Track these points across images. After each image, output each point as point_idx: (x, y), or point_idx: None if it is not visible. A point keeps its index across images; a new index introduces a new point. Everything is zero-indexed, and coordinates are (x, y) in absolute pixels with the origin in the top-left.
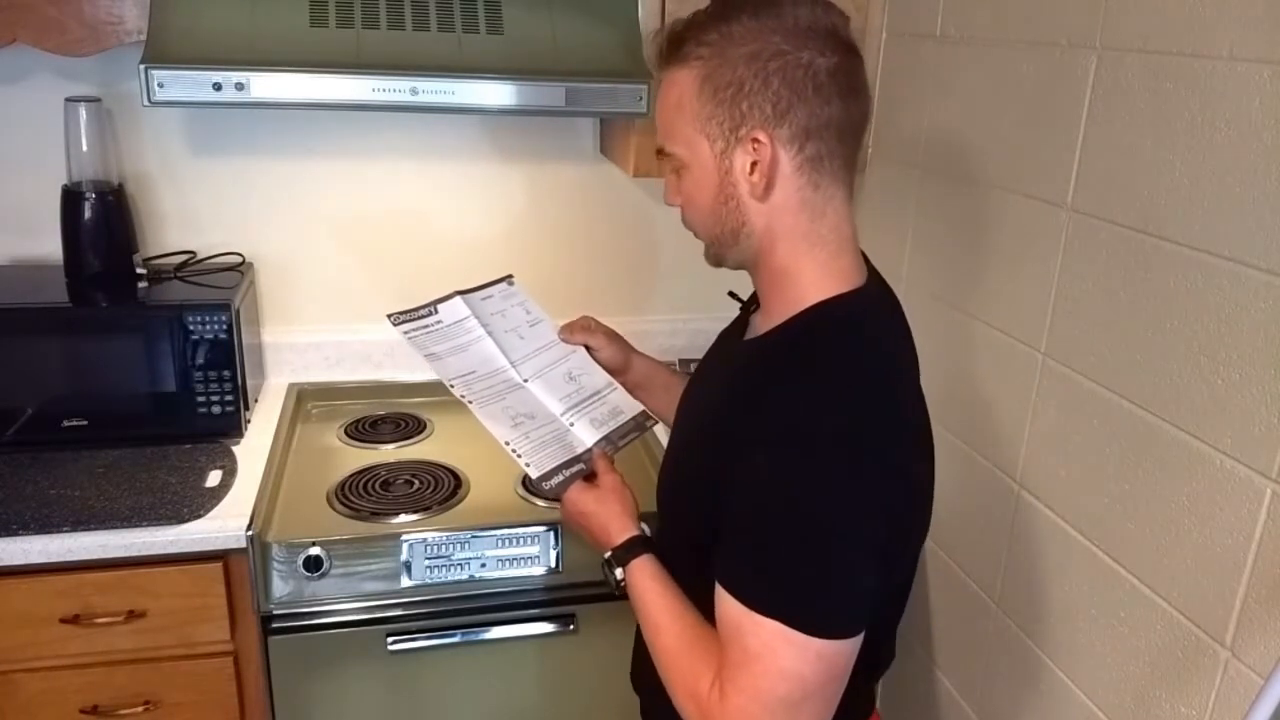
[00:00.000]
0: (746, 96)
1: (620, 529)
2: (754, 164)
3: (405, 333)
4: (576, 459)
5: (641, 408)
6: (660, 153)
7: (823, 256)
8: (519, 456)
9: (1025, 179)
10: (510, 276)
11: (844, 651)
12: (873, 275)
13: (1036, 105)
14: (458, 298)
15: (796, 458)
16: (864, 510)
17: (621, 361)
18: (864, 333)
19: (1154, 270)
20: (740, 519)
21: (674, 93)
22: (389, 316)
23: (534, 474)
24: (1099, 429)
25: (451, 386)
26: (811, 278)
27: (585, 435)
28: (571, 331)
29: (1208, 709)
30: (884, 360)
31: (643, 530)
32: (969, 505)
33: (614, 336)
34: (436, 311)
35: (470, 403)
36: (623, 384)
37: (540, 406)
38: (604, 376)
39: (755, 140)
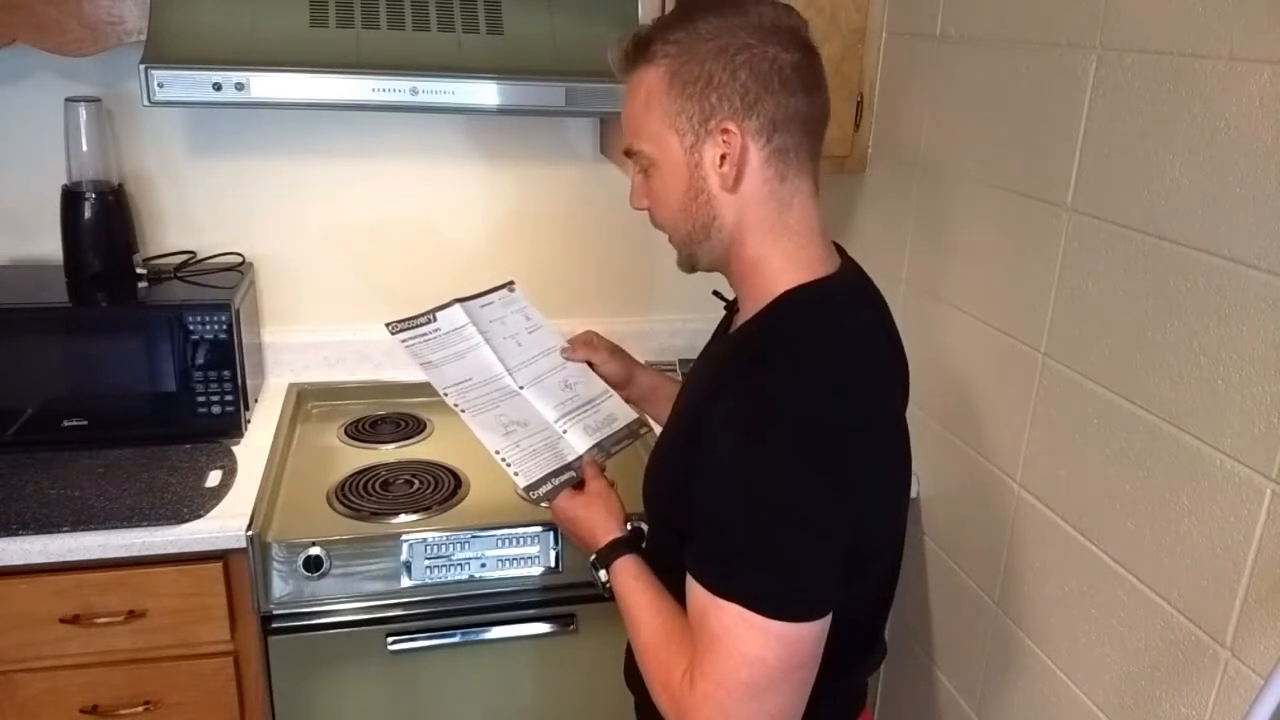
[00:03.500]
0: (715, 89)
1: (605, 531)
2: (723, 156)
3: (403, 341)
4: (567, 466)
5: (636, 415)
6: (628, 153)
7: (790, 247)
8: (508, 465)
9: (1025, 179)
10: (511, 283)
11: (806, 636)
12: (847, 265)
13: (1036, 105)
14: (457, 305)
15: (754, 442)
16: (822, 495)
17: (624, 377)
18: (829, 320)
19: (1154, 270)
20: (704, 504)
21: (642, 91)
22: (387, 325)
23: (522, 483)
24: (1099, 429)
25: (445, 395)
26: (779, 267)
27: (577, 443)
28: (575, 348)
29: (1208, 709)
30: (850, 347)
31: (630, 531)
32: (969, 505)
33: (616, 351)
34: (435, 319)
35: (463, 411)
36: (625, 398)
37: (534, 414)
38: (600, 384)
39: (725, 131)
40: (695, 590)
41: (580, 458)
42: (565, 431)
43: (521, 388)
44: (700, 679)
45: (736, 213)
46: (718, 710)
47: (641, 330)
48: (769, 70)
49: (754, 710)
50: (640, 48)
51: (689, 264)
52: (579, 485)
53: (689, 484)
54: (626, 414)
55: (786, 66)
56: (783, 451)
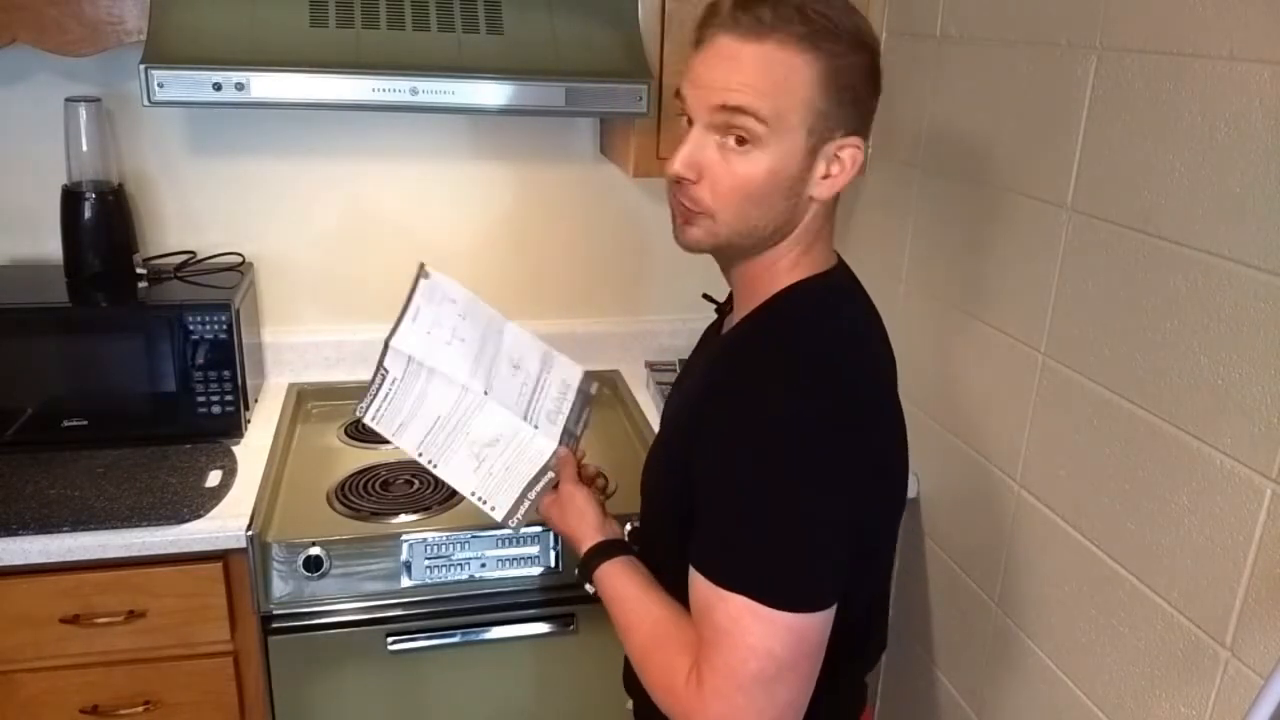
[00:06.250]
0: (856, 104)
1: (580, 537)
2: (831, 166)
3: (373, 419)
4: (543, 470)
5: (582, 372)
6: (731, 111)
7: (801, 248)
8: (484, 503)
9: (1025, 179)
10: (423, 267)
11: (814, 626)
12: (840, 260)
13: (1036, 105)
14: (389, 347)
15: (757, 434)
16: (826, 485)
17: None
18: (830, 313)
19: (1154, 270)
20: (707, 498)
21: (784, 71)
22: (357, 413)
23: (499, 518)
24: (1099, 429)
25: (419, 456)
26: (787, 266)
27: (548, 439)
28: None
29: (1208, 709)
30: (851, 338)
31: (608, 528)
32: (969, 505)
33: None
34: (386, 370)
35: (435, 466)
36: None
37: (503, 422)
38: (538, 349)
39: (853, 147)
40: (699, 584)
41: (554, 455)
42: (536, 427)
43: (485, 392)
44: (708, 673)
45: (807, 220)
46: (727, 704)
47: (641, 330)
48: (877, 90)
49: (763, 702)
50: (786, 21)
51: (715, 248)
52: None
53: (689, 480)
54: (574, 373)
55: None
56: (786, 443)
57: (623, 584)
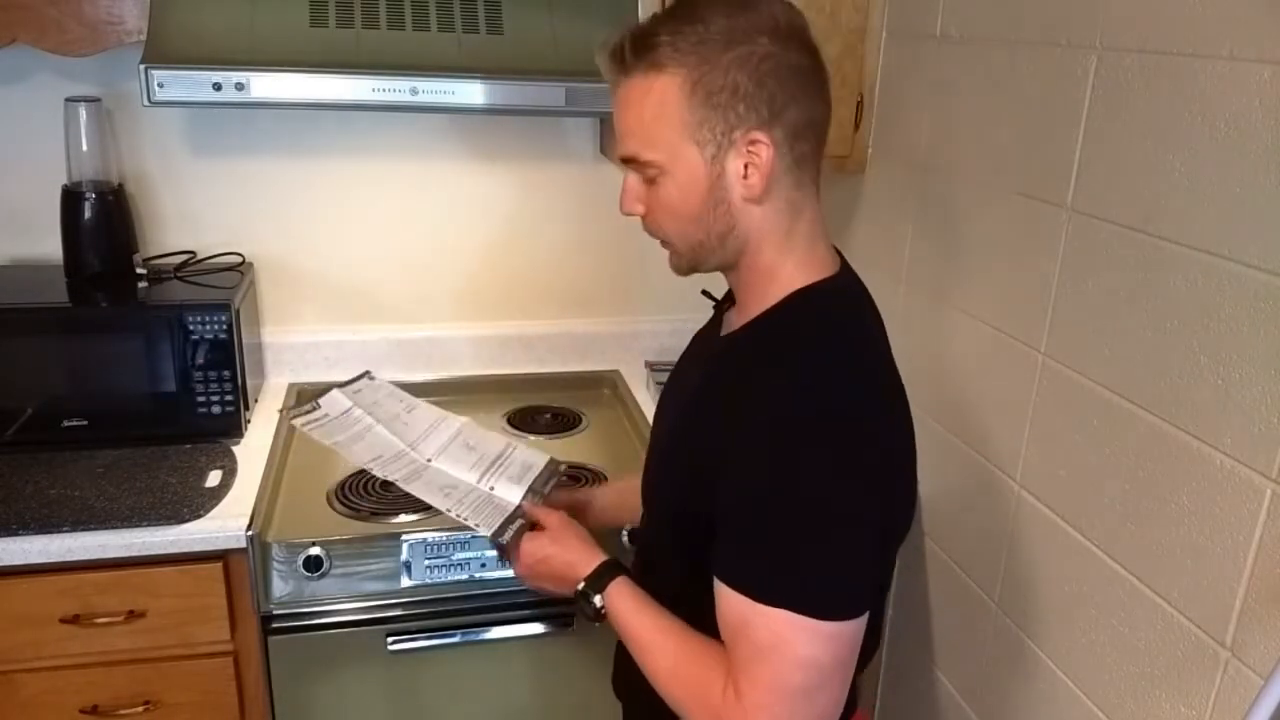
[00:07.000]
0: (743, 99)
1: (585, 559)
2: (748, 166)
3: (303, 425)
4: (514, 515)
5: (549, 456)
6: (628, 161)
7: (802, 253)
8: (465, 520)
9: (1025, 179)
10: (368, 372)
11: (853, 632)
12: (844, 263)
13: (1036, 105)
14: (335, 391)
15: (784, 445)
16: (857, 489)
17: (584, 501)
18: (843, 314)
19: (1154, 270)
20: (736, 511)
21: (652, 100)
22: (287, 415)
23: (486, 533)
24: (1099, 429)
25: (370, 468)
26: (790, 271)
27: (509, 494)
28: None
29: (1208, 709)
30: (864, 339)
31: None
32: (969, 505)
33: (574, 498)
34: (319, 405)
35: (396, 479)
36: (597, 513)
37: (456, 479)
38: (500, 438)
39: (754, 142)
40: (733, 600)
41: (519, 506)
42: (493, 488)
43: (429, 460)
44: (749, 689)
45: (755, 222)
46: (771, 716)
47: (642, 330)
48: (791, 76)
49: (808, 711)
50: (642, 51)
51: (689, 269)
52: (532, 528)
53: (704, 490)
54: (539, 457)
55: (806, 71)
56: (813, 452)
57: (635, 598)
